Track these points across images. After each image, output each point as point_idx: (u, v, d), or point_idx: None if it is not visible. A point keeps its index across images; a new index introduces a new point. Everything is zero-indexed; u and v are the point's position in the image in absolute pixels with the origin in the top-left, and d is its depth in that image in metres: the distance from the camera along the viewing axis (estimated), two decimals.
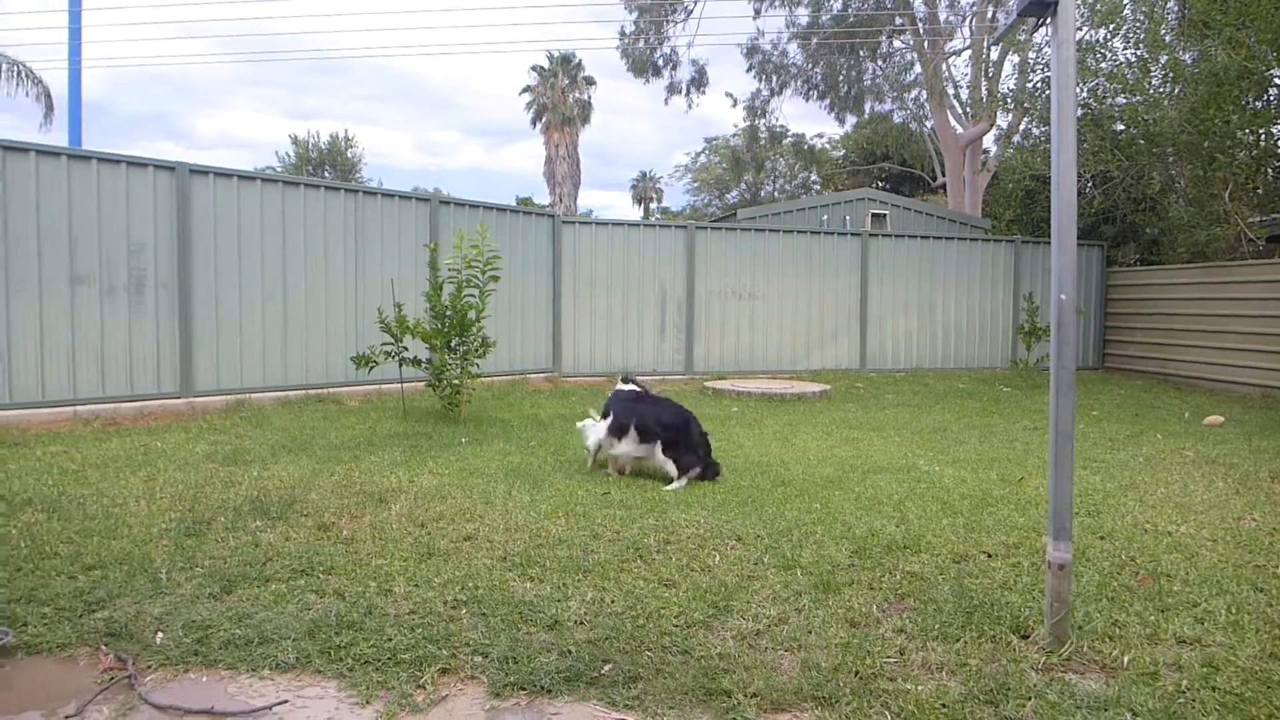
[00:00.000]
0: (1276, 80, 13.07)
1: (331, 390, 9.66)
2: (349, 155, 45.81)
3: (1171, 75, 13.48)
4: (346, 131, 54.10)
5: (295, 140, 45.66)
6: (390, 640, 3.09)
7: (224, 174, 8.95)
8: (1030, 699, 2.73)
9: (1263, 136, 13.55)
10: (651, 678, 2.86)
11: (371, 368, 8.45)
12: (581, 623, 3.28)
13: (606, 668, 2.93)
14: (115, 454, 6.35)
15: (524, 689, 2.80)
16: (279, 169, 42.38)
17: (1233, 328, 12.34)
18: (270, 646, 3.04)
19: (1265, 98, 13.26)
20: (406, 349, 8.47)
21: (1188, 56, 13.53)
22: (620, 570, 3.89)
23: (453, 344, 8.30)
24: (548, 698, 2.76)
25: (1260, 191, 13.59)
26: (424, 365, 8.48)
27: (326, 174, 44.13)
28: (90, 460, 6.11)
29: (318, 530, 4.44)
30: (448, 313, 8.21)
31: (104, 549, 4.02)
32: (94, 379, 8.07)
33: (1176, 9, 14.66)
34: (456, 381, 8.38)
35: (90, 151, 8.12)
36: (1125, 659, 3.02)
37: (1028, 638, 3.19)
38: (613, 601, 3.49)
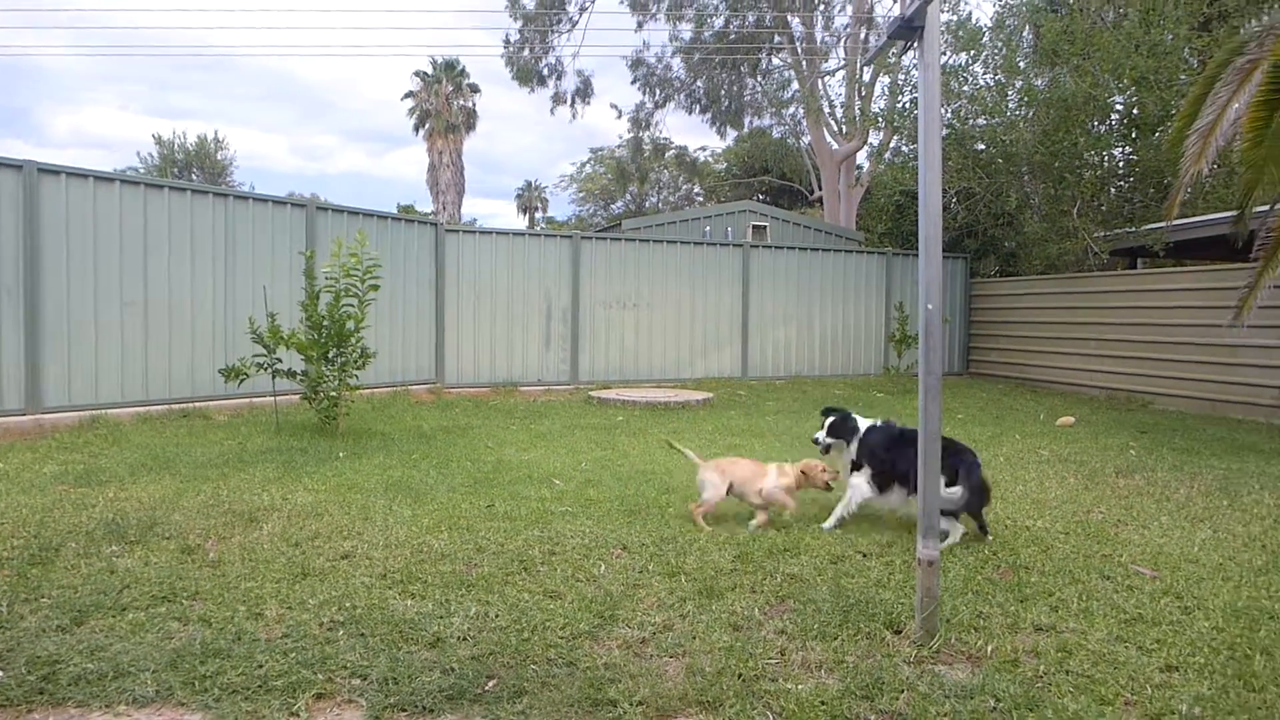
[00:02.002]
0: (1117, 107, 14.17)
1: (198, 404, 9.15)
2: (219, 158, 43.87)
3: (1026, 99, 14.42)
4: (216, 133, 51.82)
5: (159, 140, 43.39)
6: (261, 666, 2.94)
7: (78, 174, 8.35)
8: (903, 691, 2.84)
9: (1105, 158, 14.66)
10: (537, 691, 2.82)
11: (242, 380, 8.05)
12: (465, 639, 3.21)
13: (491, 684, 2.87)
14: None
15: (405, 710, 2.72)
16: (141, 170, 40.01)
17: (1081, 334, 13.25)
18: (127, 680, 2.84)
19: (1108, 122, 14.36)
20: (280, 360, 8.11)
21: (1040, 82, 14.53)
22: (505, 583, 3.83)
23: (330, 355, 8.00)
24: (430, 718, 2.69)
25: (1104, 209, 14.69)
26: (299, 377, 8.14)
27: (194, 177, 42.03)
28: None
29: (181, 553, 4.19)
30: (325, 323, 7.91)
31: None
32: None
33: (1030, 38, 15.71)
34: (334, 394, 8.08)
35: None
36: (989, 648, 3.18)
37: (900, 633, 3.32)
38: (497, 616, 3.43)
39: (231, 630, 3.23)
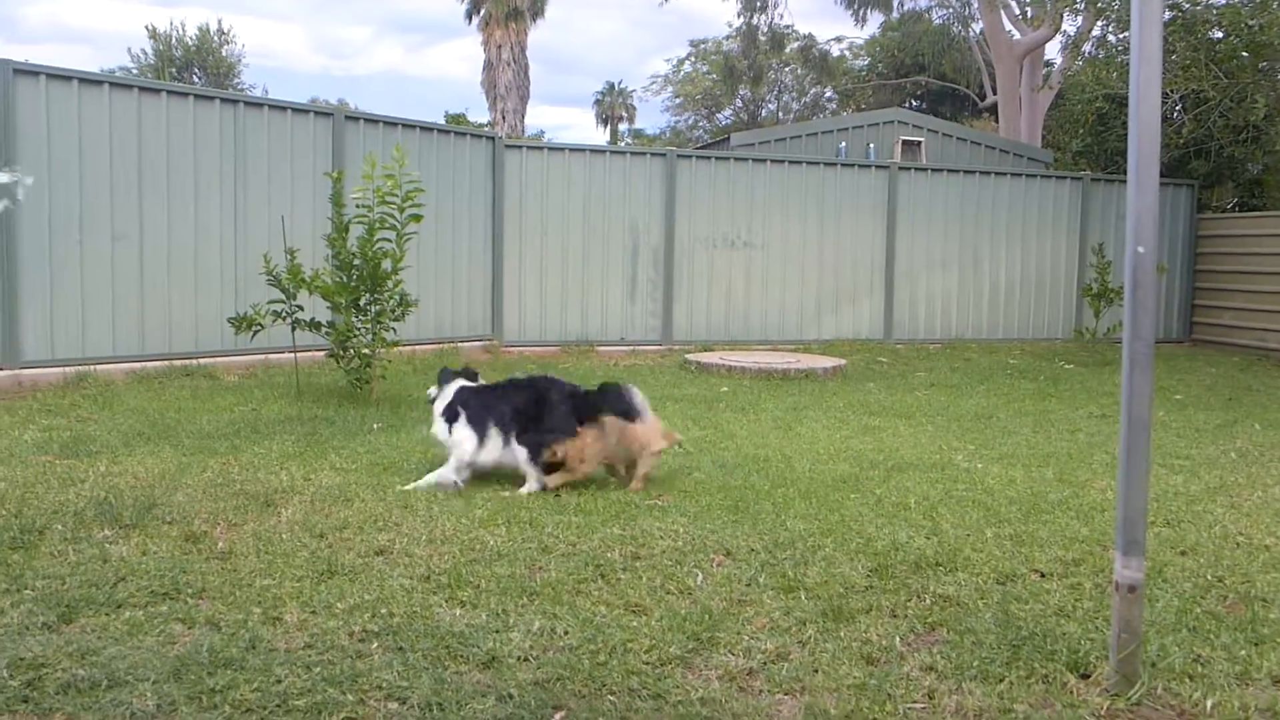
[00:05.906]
0: None
1: (203, 361, 9.54)
2: (224, 54, 45.13)
3: None
4: (221, 23, 53.18)
5: (154, 34, 44.82)
6: (280, 682, 3.08)
7: (60, 75, 8.73)
8: None
9: None
10: None
11: (255, 332, 8.34)
12: (526, 659, 3.30)
13: (558, 716, 2.95)
14: None
15: None
16: (134, 70, 41.56)
17: None
18: (123, 690, 3.01)
19: None
20: (302, 308, 8.37)
21: None
22: (576, 593, 3.91)
23: (362, 302, 8.20)
24: None
25: None
26: (325, 329, 8.38)
27: (196, 79, 43.42)
28: None
29: (185, 541, 4.41)
30: (355, 262, 8.08)
31: None
32: None
33: None
34: (367, 351, 8.30)
35: None
36: (1209, 703, 3.10)
37: (1088, 677, 3.26)
38: (566, 632, 3.51)
39: (245, 636, 3.39)
